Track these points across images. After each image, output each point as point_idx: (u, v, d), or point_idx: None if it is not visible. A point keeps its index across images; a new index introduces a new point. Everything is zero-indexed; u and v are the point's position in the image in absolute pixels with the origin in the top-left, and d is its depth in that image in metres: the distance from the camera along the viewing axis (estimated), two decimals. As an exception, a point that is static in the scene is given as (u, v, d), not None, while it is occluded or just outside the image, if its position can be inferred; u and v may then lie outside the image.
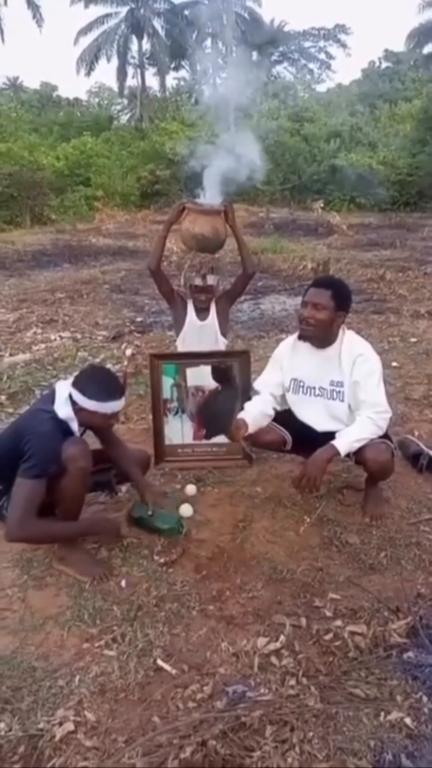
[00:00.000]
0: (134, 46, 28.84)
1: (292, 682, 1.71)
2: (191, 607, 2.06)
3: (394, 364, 4.62)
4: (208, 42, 29.02)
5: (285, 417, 2.70)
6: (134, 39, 28.54)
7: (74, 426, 2.19)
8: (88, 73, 28.94)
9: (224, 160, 3.25)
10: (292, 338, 2.69)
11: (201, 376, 3.11)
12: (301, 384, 2.63)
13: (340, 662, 1.80)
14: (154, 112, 26.97)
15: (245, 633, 1.94)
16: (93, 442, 2.39)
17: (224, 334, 3.37)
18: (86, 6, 27.16)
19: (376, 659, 1.80)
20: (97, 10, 27.79)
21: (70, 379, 2.25)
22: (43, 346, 5.31)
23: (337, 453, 2.37)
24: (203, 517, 2.63)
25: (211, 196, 3.23)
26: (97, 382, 2.21)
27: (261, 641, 1.87)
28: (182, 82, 33.34)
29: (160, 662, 1.82)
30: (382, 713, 1.61)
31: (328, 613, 2.01)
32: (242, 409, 2.62)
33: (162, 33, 28.51)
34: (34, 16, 25.39)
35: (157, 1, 28.40)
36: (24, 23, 49.24)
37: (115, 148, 21.57)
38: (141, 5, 27.80)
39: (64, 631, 1.96)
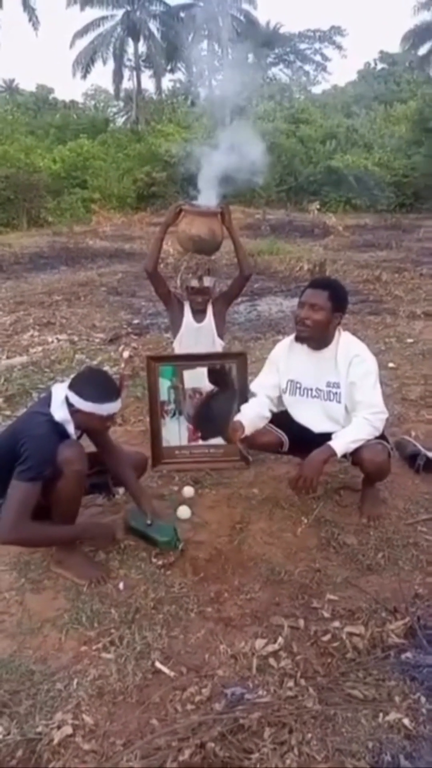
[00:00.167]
0: (130, 48, 28.89)
1: (291, 683, 1.71)
2: (189, 609, 2.06)
3: (391, 365, 4.62)
4: (204, 44, 29.12)
5: (282, 418, 2.70)
6: (130, 41, 28.58)
7: (70, 428, 2.19)
8: (84, 76, 28.96)
9: (221, 162, 3.25)
10: (289, 340, 2.69)
11: (198, 378, 3.10)
12: (298, 385, 2.63)
13: (338, 663, 1.80)
14: (150, 114, 27.02)
15: (243, 635, 1.94)
16: (89, 445, 2.39)
17: (221, 335, 3.37)
18: (82, 8, 27.17)
19: (374, 660, 1.79)
20: (93, 13, 27.88)
21: (67, 382, 2.25)
22: (40, 348, 5.30)
23: (334, 454, 2.38)
24: (201, 519, 2.63)
25: (207, 197, 3.23)
26: (94, 383, 2.21)
27: (259, 643, 1.87)
28: (178, 84, 33.53)
29: (158, 665, 1.82)
30: (381, 714, 1.61)
31: (326, 614, 2.01)
32: (239, 411, 2.62)
33: (158, 35, 28.55)
34: (30, 19, 25.37)
35: (153, 3, 28.44)
36: (20, 26, 49.05)
37: (111, 150, 21.56)
38: (137, 8, 27.85)
39: (62, 634, 1.96)
